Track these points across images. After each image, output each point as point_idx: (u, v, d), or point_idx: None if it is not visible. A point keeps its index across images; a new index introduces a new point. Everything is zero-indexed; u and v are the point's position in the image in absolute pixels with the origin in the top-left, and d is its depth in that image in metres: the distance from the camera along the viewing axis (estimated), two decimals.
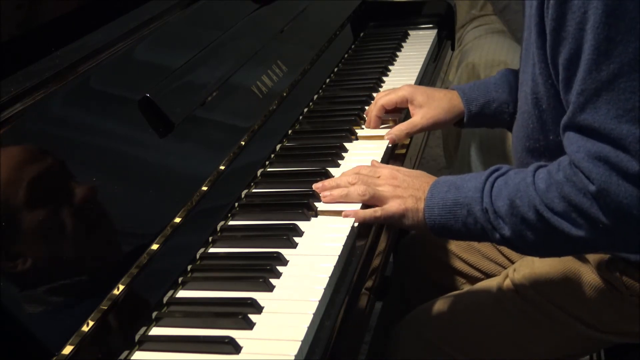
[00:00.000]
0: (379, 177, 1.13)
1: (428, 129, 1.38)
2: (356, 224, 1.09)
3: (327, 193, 1.13)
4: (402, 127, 1.34)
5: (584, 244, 1.00)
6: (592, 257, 1.16)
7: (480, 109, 1.35)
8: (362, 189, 1.10)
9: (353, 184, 1.12)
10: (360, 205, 1.11)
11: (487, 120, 1.37)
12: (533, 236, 1.01)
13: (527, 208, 1.00)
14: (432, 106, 1.35)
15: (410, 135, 1.36)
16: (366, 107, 1.49)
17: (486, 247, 1.44)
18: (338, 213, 1.10)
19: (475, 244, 1.44)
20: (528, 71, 1.10)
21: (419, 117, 1.35)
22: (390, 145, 1.34)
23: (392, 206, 1.09)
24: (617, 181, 0.92)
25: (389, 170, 1.15)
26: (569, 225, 0.98)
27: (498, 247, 1.42)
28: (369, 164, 1.21)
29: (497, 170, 1.07)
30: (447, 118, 1.36)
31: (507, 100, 1.33)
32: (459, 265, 1.46)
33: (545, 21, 0.99)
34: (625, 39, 0.90)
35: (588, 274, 1.18)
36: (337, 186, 1.14)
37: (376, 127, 1.39)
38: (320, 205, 1.13)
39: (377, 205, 1.10)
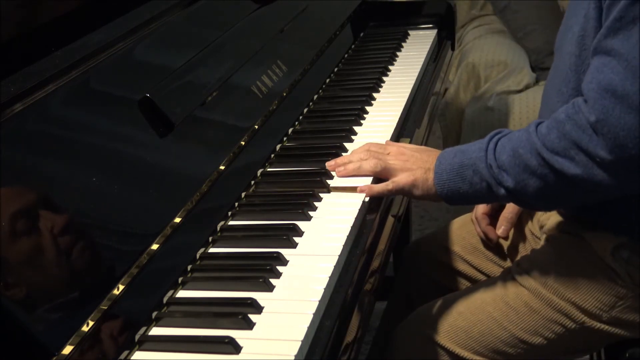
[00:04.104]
0: (388, 153, 1.21)
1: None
2: (356, 222, 1.09)
3: (340, 168, 1.22)
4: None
5: (584, 186, 1.03)
6: (597, 246, 1.17)
7: None
8: (374, 163, 1.18)
9: (364, 160, 1.20)
10: (371, 180, 1.18)
11: None
12: (535, 183, 1.06)
13: (529, 154, 1.05)
14: None
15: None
16: (367, 107, 1.49)
17: (490, 249, 1.44)
18: (350, 189, 1.18)
19: (479, 246, 1.44)
20: (580, 9, 1.12)
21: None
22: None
23: (402, 178, 1.17)
24: (618, 114, 0.97)
25: (397, 147, 1.22)
26: (567, 163, 1.02)
27: (502, 248, 1.42)
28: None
29: (499, 132, 1.13)
30: None
31: None
32: (462, 267, 1.46)
33: None
34: None
35: (591, 264, 1.19)
36: (350, 162, 1.22)
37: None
38: (332, 182, 1.20)
39: (387, 179, 1.18)
